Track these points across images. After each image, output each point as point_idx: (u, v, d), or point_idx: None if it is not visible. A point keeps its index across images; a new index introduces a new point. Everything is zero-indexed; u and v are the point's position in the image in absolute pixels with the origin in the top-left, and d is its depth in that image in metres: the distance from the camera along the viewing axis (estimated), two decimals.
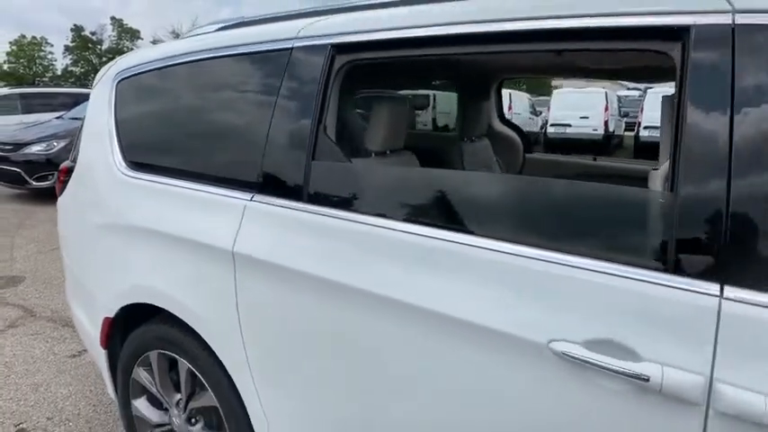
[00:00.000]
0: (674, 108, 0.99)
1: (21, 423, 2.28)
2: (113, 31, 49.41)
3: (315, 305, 1.27)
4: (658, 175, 1.16)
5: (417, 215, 1.20)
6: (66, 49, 48.21)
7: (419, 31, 1.23)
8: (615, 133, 14.26)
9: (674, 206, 0.91)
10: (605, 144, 13.16)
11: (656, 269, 0.92)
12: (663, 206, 0.96)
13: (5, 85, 25.24)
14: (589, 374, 0.93)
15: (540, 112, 16.30)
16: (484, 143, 2.53)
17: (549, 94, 16.67)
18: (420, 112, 9.76)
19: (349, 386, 1.25)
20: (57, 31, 77.71)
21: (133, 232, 1.69)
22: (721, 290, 0.86)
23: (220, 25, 1.82)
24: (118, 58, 2.11)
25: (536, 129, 15.05)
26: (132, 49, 30.81)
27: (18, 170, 6.94)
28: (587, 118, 12.68)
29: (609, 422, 0.93)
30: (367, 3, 1.43)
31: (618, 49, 1.10)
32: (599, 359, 0.91)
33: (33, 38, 47.47)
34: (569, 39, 1.09)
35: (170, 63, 1.79)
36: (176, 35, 39.09)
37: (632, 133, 13.10)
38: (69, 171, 2.04)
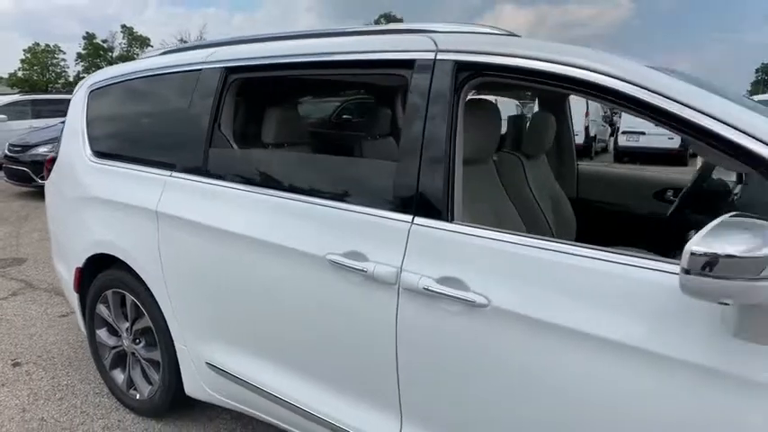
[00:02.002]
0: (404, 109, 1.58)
1: (16, 359, 2.91)
2: (124, 38, 50.61)
3: (205, 244, 1.88)
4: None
5: (269, 183, 1.80)
6: (79, 56, 49.45)
7: (277, 59, 1.85)
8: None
9: (396, 174, 1.50)
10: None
11: (385, 208, 1.51)
12: (392, 174, 1.54)
13: (19, 92, 26.28)
14: (343, 273, 1.52)
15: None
16: (387, 140, 3.12)
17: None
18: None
19: (223, 293, 1.86)
20: (70, 38, 79.65)
21: (95, 202, 2.31)
22: (412, 219, 1.45)
23: (163, 50, 2.45)
24: (93, 73, 2.74)
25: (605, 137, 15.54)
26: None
27: (26, 169, 7.64)
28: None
29: (354, 298, 1.51)
30: (247, 38, 2.05)
31: (386, 73, 1.70)
32: (350, 263, 1.50)
33: (47, 45, 48.83)
34: (363, 66, 1.70)
35: (125, 78, 2.42)
36: (184, 42, 40.24)
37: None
38: (53, 160, 2.66)
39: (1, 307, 3.67)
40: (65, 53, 49.96)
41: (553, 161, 2.74)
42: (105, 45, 50.20)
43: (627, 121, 12.97)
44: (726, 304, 0.95)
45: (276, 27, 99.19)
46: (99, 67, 50.65)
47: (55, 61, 49.32)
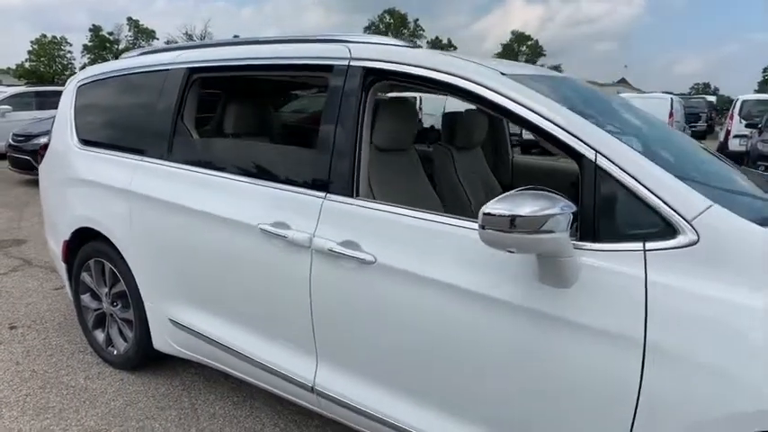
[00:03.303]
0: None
1: (13, 323, 3.27)
2: (130, 31, 50.98)
3: (166, 217, 2.23)
4: None
5: (218, 166, 2.14)
6: (85, 48, 49.86)
7: (230, 62, 2.19)
8: None
9: (314, 159, 1.84)
10: None
11: (305, 187, 1.85)
12: (311, 159, 1.88)
13: (26, 83, 26.72)
14: (271, 238, 1.86)
15: None
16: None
17: None
18: None
19: (180, 258, 2.21)
20: (78, 29, 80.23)
21: (80, 183, 2.66)
22: (325, 195, 1.79)
23: (140, 51, 2.79)
24: (83, 69, 3.09)
25: None
26: None
27: (28, 158, 8.01)
28: None
29: (278, 259, 1.85)
30: (207, 43, 2.39)
31: (309, 74, 2.05)
32: (275, 231, 1.85)
33: (54, 37, 49.27)
34: (296, 69, 2.05)
35: (108, 75, 2.77)
36: (189, 36, 40.59)
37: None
38: (46, 146, 3.02)
39: (1, 281, 4.05)
40: (71, 45, 50.54)
41: (490, 154, 3.07)
42: (111, 37, 50.63)
43: None
44: (512, 252, 1.29)
45: (284, 21, 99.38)
46: (105, 59, 51.36)
47: (61, 53, 49.87)
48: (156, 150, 2.36)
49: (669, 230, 1.27)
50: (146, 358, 2.62)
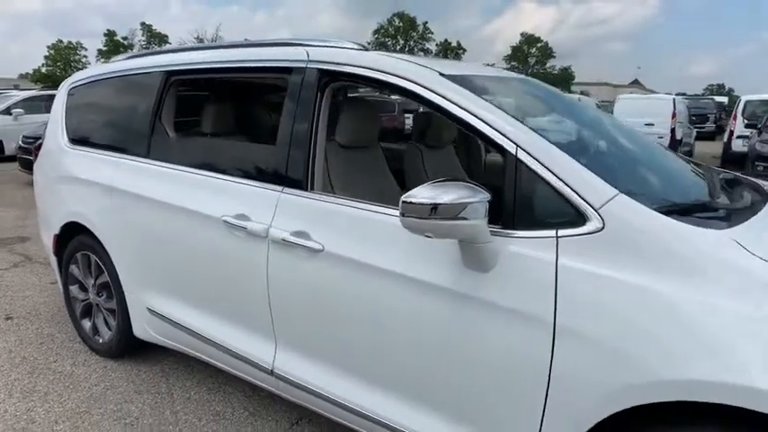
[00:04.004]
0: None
1: (10, 314, 3.44)
2: (143, 35, 51.76)
3: (143, 210, 2.36)
4: None
5: (189, 163, 2.27)
6: (100, 52, 50.68)
7: (200, 65, 2.33)
8: (684, 141, 13.09)
9: (273, 155, 1.96)
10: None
11: (265, 181, 1.97)
12: (270, 155, 2.00)
13: (42, 87, 27.33)
14: (233, 230, 1.99)
15: None
16: None
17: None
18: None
19: (155, 249, 2.35)
20: (94, 35, 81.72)
21: (69, 180, 2.81)
22: (282, 189, 1.91)
23: (128, 55, 2.94)
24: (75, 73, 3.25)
25: None
26: None
27: None
28: (652, 125, 11.98)
29: (239, 249, 1.98)
30: (184, 48, 2.53)
31: (272, 76, 2.17)
32: (236, 222, 1.97)
33: (69, 42, 50.20)
34: (260, 71, 2.17)
35: (95, 79, 2.92)
36: (200, 40, 41.10)
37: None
38: (40, 146, 3.18)
39: (2, 276, 4.23)
40: (86, 50, 51.43)
41: (463, 154, 3.17)
42: (125, 42, 51.44)
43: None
44: (429, 237, 1.39)
45: (296, 25, 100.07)
46: None
47: (77, 57, 50.70)
48: (136, 149, 2.50)
49: (579, 218, 1.36)
50: (128, 346, 2.75)
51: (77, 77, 3.10)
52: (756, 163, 7.75)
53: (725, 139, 11.75)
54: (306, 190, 1.88)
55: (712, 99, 25.89)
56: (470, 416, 1.55)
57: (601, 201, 1.35)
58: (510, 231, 1.44)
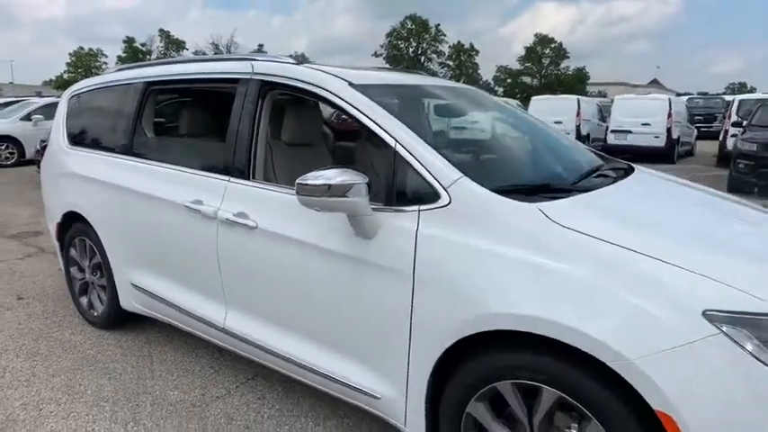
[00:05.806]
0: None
1: (21, 295, 3.94)
2: (161, 42, 53.03)
3: (124, 198, 2.82)
4: None
5: (160, 158, 2.72)
6: (119, 59, 52.10)
7: (171, 76, 2.78)
8: (682, 141, 13.35)
9: (222, 151, 2.39)
10: (667, 154, 12.44)
11: (216, 172, 2.40)
12: (221, 151, 2.43)
13: None
14: (191, 213, 2.42)
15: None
16: None
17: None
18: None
19: (134, 231, 2.80)
20: (114, 41, 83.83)
21: (68, 176, 3.29)
22: (229, 179, 2.34)
23: (119, 68, 3.41)
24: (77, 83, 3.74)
25: (601, 136, 14.26)
26: None
27: None
28: (649, 125, 12.38)
29: (196, 229, 2.40)
30: (162, 62, 2.99)
31: (226, 85, 2.60)
32: (193, 206, 2.40)
33: (90, 49, 51.74)
34: (216, 82, 2.61)
35: (92, 87, 3.40)
36: (215, 46, 42.16)
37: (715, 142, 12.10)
38: (45, 147, 3.67)
39: (17, 264, 4.75)
40: (107, 56, 53.04)
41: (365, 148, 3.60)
42: (144, 48, 52.85)
43: (615, 120, 13.30)
44: (317, 210, 1.80)
45: (312, 29, 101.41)
46: None
47: (97, 64, 52.30)
48: (122, 148, 2.96)
49: (435, 196, 1.76)
50: (117, 317, 3.21)
51: (77, 87, 3.58)
52: (738, 161, 7.92)
53: (720, 138, 11.89)
54: (247, 179, 2.30)
55: (722, 98, 25.71)
56: (361, 350, 1.96)
57: (448, 181, 1.75)
58: (388, 207, 1.85)
